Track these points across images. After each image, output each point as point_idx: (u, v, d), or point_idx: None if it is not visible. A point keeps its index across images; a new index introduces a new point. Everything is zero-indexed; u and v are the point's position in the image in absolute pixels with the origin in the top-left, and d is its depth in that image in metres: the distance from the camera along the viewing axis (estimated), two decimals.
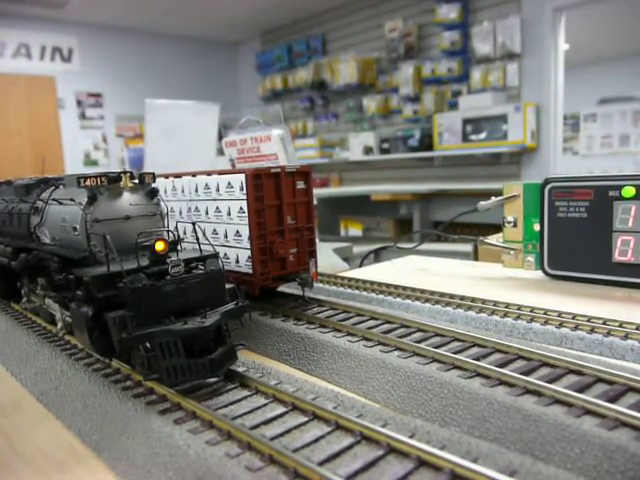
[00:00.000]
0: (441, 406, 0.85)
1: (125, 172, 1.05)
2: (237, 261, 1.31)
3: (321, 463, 0.65)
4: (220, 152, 2.65)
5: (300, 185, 1.34)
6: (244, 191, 1.24)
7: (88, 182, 1.00)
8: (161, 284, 0.88)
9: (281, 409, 0.80)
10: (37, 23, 7.94)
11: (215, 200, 1.34)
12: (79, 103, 8.54)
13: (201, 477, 0.66)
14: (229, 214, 1.31)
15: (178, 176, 1.47)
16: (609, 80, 10.58)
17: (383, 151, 7.00)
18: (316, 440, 0.71)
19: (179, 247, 1.01)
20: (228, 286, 0.99)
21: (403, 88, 6.81)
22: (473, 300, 1.35)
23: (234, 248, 1.31)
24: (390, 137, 6.93)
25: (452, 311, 1.32)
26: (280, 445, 0.68)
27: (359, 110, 7.54)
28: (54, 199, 1.18)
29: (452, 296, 1.40)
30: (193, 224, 1.05)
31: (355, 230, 7.13)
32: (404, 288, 1.51)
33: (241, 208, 1.26)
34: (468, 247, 3.76)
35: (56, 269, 1.03)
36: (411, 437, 0.69)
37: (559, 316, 1.19)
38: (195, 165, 2.49)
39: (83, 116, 8.60)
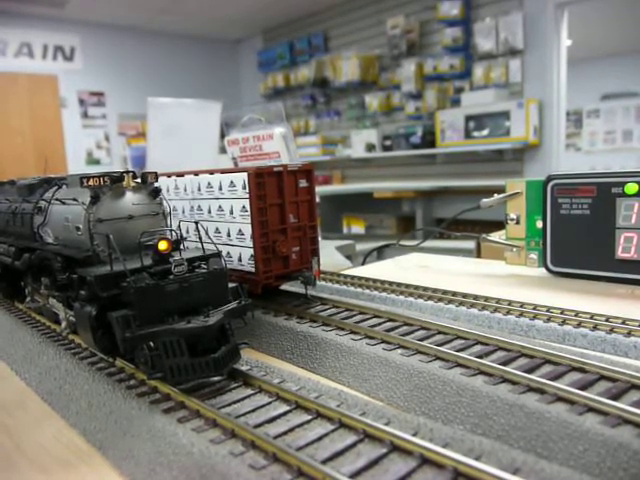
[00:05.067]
0: (444, 404, 0.85)
1: (128, 171, 1.05)
2: (240, 260, 1.31)
3: (325, 461, 0.65)
4: (222, 150, 2.65)
5: (302, 183, 1.34)
6: (246, 190, 1.25)
7: (91, 182, 1.00)
8: (164, 283, 0.89)
9: (284, 407, 0.81)
10: (39, 22, 7.94)
11: (218, 199, 1.35)
12: (81, 102, 8.54)
13: (205, 475, 0.67)
14: (232, 213, 1.31)
15: (181, 175, 1.47)
16: (612, 76, 10.54)
17: (385, 148, 6.98)
18: (319, 438, 0.71)
19: (182, 246, 1.01)
20: (231, 285, 0.99)
21: (405, 85, 6.79)
22: (476, 297, 1.35)
23: (237, 247, 1.32)
24: (392, 134, 6.92)
25: (455, 309, 1.32)
26: (284, 443, 0.68)
27: (361, 107, 7.52)
28: (57, 199, 1.18)
29: (455, 294, 1.40)
30: (196, 223, 1.05)
31: (358, 228, 7.12)
32: (407, 286, 1.51)
33: (244, 207, 1.26)
34: (471, 244, 3.77)
35: (59, 269, 1.04)
36: (414, 435, 0.69)
37: (562, 313, 1.19)
38: (197, 163, 2.49)
39: (85, 115, 8.60)
